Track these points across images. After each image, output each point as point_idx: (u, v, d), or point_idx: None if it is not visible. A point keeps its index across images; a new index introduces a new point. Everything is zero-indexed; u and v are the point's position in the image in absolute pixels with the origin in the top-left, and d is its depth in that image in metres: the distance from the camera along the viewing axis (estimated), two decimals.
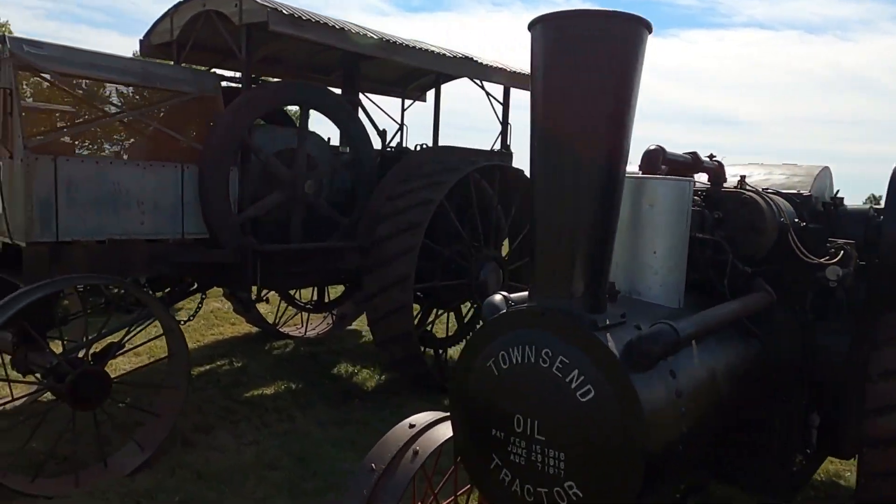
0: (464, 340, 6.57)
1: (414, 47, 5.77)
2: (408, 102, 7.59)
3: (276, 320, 7.45)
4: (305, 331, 7.65)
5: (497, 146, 6.89)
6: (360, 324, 8.21)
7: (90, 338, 4.23)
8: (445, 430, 2.53)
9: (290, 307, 7.56)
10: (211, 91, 4.98)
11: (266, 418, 5.02)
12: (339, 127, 5.73)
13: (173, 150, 4.73)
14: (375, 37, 5.46)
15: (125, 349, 4.44)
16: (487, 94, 6.83)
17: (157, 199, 4.62)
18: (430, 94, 7.36)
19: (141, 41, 5.96)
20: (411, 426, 2.58)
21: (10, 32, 58.36)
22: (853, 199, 3.52)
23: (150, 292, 4.90)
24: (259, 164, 5.18)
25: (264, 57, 6.34)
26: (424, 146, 6.46)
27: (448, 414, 2.53)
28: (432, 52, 5.93)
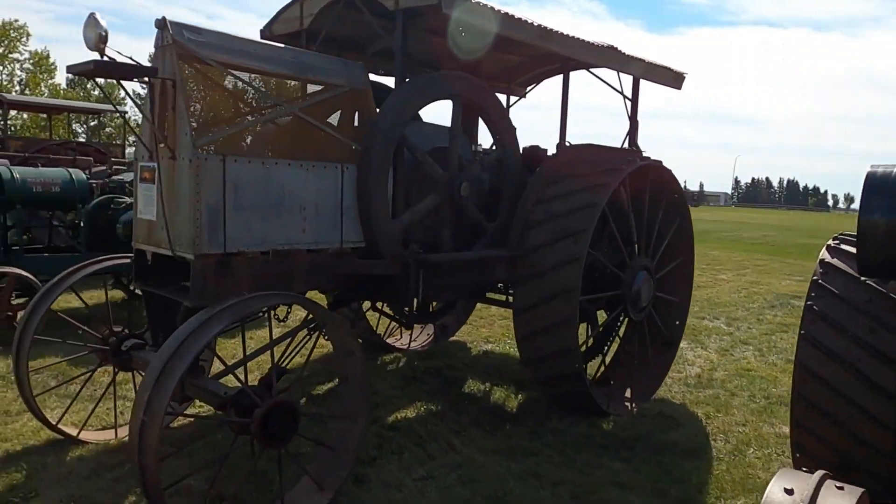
0: (600, 355, 6.06)
1: (567, 35, 5.25)
2: (512, 99, 7.09)
3: (381, 331, 6.96)
4: (410, 343, 7.15)
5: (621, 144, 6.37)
6: (461, 335, 7.71)
7: (244, 358, 3.74)
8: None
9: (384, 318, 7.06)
10: (361, 84, 4.48)
11: (427, 447, 4.51)
12: (487, 122, 5.21)
13: (331, 148, 4.23)
14: (534, 23, 4.95)
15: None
16: (610, 85, 6.32)
17: (319, 203, 4.12)
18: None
19: (262, 31, 5.48)
20: (788, 491, 2.06)
21: (28, 34, 56.81)
22: None
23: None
24: (409, 165, 4.68)
25: (380, 49, 5.83)
26: (566, 145, 5.93)
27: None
28: (582, 40, 5.41)
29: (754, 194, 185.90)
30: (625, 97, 6.41)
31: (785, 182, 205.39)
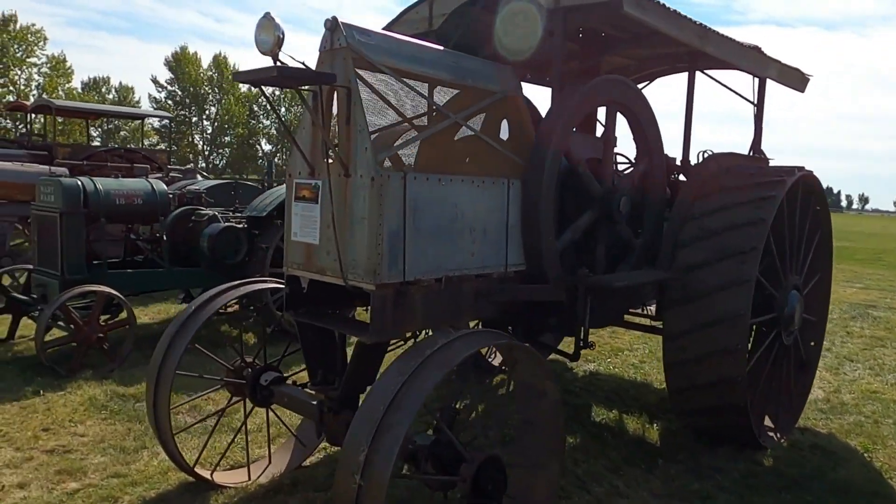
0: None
1: (721, 35, 4.83)
2: None
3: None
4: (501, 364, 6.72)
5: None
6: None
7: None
8: None
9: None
10: (514, 90, 4.07)
11: (592, 491, 4.08)
12: (635, 129, 4.77)
13: (497, 162, 3.81)
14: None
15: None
16: (729, 88, 5.90)
17: (486, 223, 3.70)
18: None
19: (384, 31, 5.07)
20: None
21: (46, 38, 57.08)
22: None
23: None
24: (561, 178, 4.25)
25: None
26: (707, 153, 5.49)
27: None
28: (732, 41, 4.98)
29: None
30: (751, 101, 5.97)
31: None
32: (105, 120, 48.46)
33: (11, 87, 52.24)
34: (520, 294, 3.87)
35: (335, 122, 3.36)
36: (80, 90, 58.65)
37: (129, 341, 6.09)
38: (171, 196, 7.19)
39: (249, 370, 4.00)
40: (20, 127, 50.05)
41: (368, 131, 3.14)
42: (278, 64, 2.94)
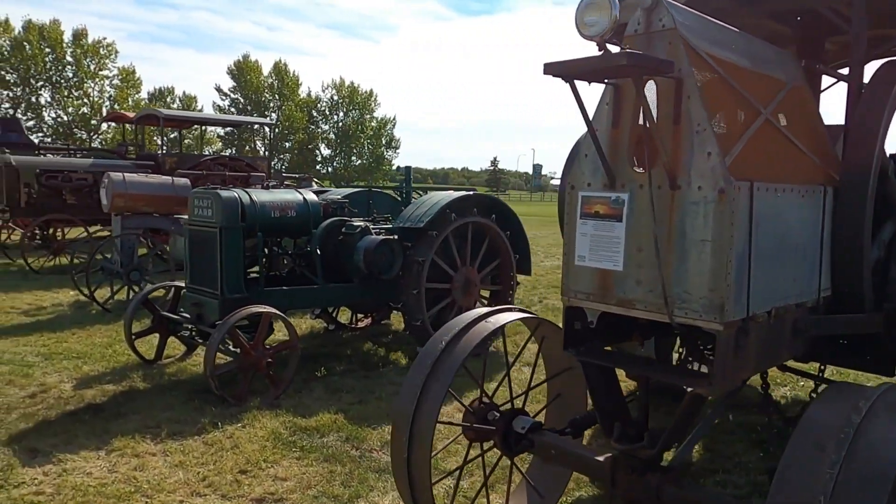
0: None
1: None
2: None
3: None
4: None
5: None
6: None
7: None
8: None
9: None
10: (799, 79, 3.41)
11: None
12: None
13: (811, 166, 3.14)
14: None
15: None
16: None
17: (805, 241, 3.05)
18: None
19: None
20: None
21: (116, 51, 59.14)
22: None
23: None
24: None
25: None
26: None
27: None
28: None
29: None
30: None
31: None
32: (169, 129, 49.53)
33: (86, 100, 54.17)
34: (837, 326, 3.20)
35: (638, 122, 2.76)
36: (146, 101, 60.40)
37: (292, 365, 5.64)
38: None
39: (496, 413, 3.44)
40: (97, 138, 51.77)
41: (712, 131, 2.52)
42: (622, 50, 2.36)
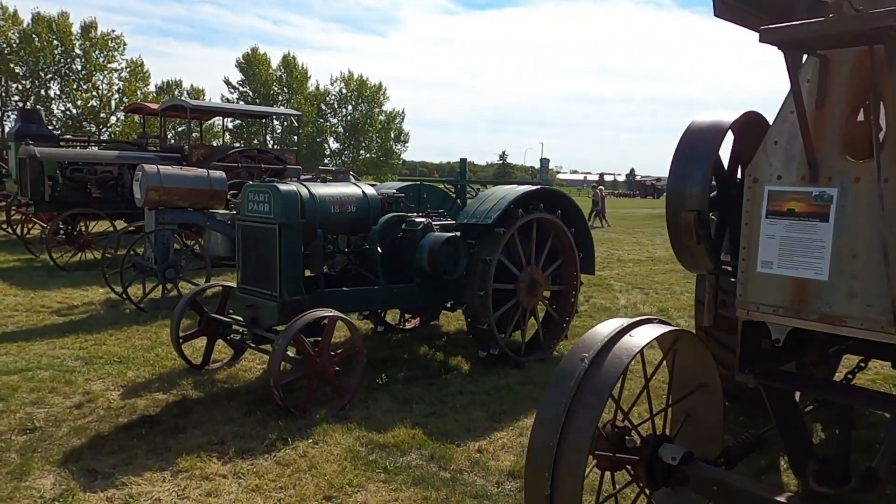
0: None
1: None
2: None
3: None
4: None
5: None
6: None
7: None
8: None
9: None
10: None
11: None
12: None
13: None
14: None
15: None
16: None
17: None
18: None
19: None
20: None
21: (124, 44, 58.52)
22: None
23: None
24: None
25: None
26: None
27: None
28: None
29: None
30: None
31: None
32: (179, 121, 49.44)
33: (95, 93, 53.83)
34: None
35: (855, 101, 2.30)
36: (154, 94, 60.13)
37: (358, 372, 5.21)
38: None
39: (636, 439, 2.99)
40: (106, 130, 51.37)
41: None
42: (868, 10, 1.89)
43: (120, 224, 11.36)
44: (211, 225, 8.86)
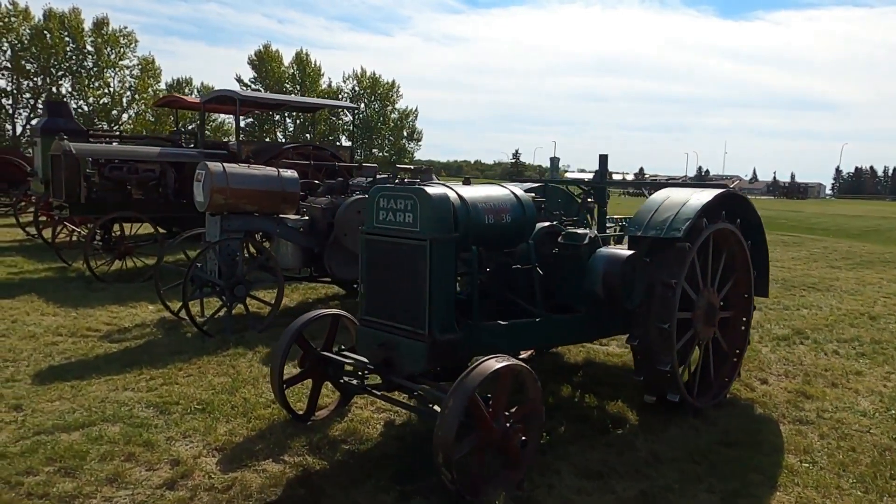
0: None
1: None
2: None
3: None
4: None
5: None
6: None
7: None
8: None
9: None
10: None
11: None
12: None
13: None
14: None
15: None
16: None
17: None
18: None
19: None
20: None
21: (136, 41, 56.98)
22: None
23: None
24: None
25: None
26: None
27: None
28: None
29: (858, 185, 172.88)
30: None
31: (890, 171, 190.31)
32: (189, 115, 48.48)
33: (106, 90, 52.71)
34: None
35: None
36: (165, 91, 59.20)
37: (535, 437, 3.93)
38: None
39: None
40: (116, 128, 50.09)
41: None
42: None
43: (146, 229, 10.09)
44: (281, 233, 7.60)
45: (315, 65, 68.99)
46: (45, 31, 48.18)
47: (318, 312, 4.92)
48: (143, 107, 54.45)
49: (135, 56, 54.84)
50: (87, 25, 50.99)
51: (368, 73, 70.06)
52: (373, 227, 4.36)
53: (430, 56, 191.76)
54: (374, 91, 69.93)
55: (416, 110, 71.19)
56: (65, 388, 5.25)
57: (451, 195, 4.26)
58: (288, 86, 65.79)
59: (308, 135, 65.44)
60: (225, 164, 7.18)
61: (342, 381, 4.73)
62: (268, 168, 7.56)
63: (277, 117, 66.89)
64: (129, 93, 54.64)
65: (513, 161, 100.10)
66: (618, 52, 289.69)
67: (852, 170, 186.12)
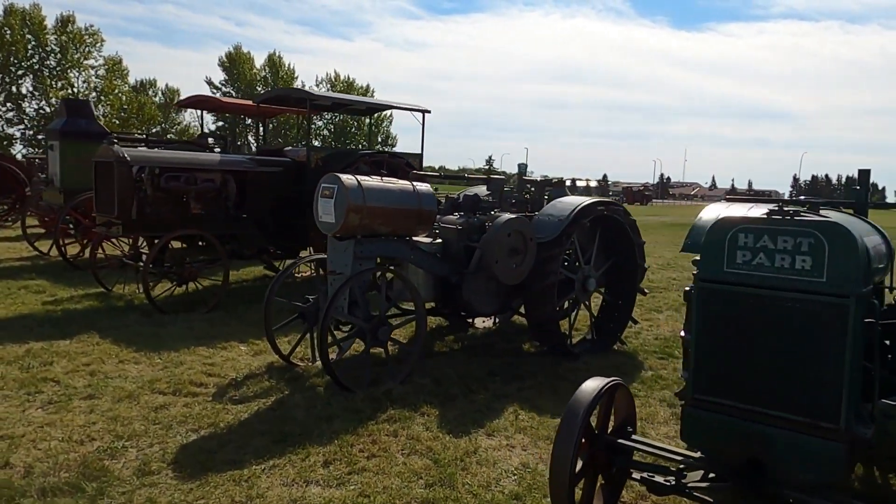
0: None
1: None
2: None
3: None
4: None
5: None
6: None
7: None
8: None
9: None
10: None
11: None
12: None
13: None
14: None
15: None
16: None
17: None
18: None
19: None
20: None
21: (102, 40, 54.53)
22: None
23: None
24: None
25: None
26: None
27: None
28: None
29: (814, 193, 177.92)
30: None
31: (843, 179, 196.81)
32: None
33: (70, 90, 49.85)
34: None
35: None
36: (131, 92, 56.71)
37: None
38: None
39: None
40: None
41: None
42: None
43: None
44: (415, 259, 6.29)
45: (288, 67, 67.14)
46: (6, 28, 45.33)
47: (600, 384, 3.64)
48: (108, 108, 51.74)
49: (101, 56, 52.29)
50: (50, 23, 48.26)
51: (342, 77, 68.66)
52: (722, 274, 3.14)
53: (392, 61, 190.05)
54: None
55: (390, 116, 69.85)
56: (228, 484, 3.84)
57: (860, 228, 3.07)
58: (259, 88, 63.65)
59: (280, 140, 63.42)
60: (358, 177, 5.84)
61: (644, 476, 3.48)
62: (402, 182, 6.24)
63: (249, 121, 64.63)
64: (94, 93, 51.86)
65: (487, 167, 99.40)
66: (578, 60, 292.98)
67: (809, 178, 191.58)
